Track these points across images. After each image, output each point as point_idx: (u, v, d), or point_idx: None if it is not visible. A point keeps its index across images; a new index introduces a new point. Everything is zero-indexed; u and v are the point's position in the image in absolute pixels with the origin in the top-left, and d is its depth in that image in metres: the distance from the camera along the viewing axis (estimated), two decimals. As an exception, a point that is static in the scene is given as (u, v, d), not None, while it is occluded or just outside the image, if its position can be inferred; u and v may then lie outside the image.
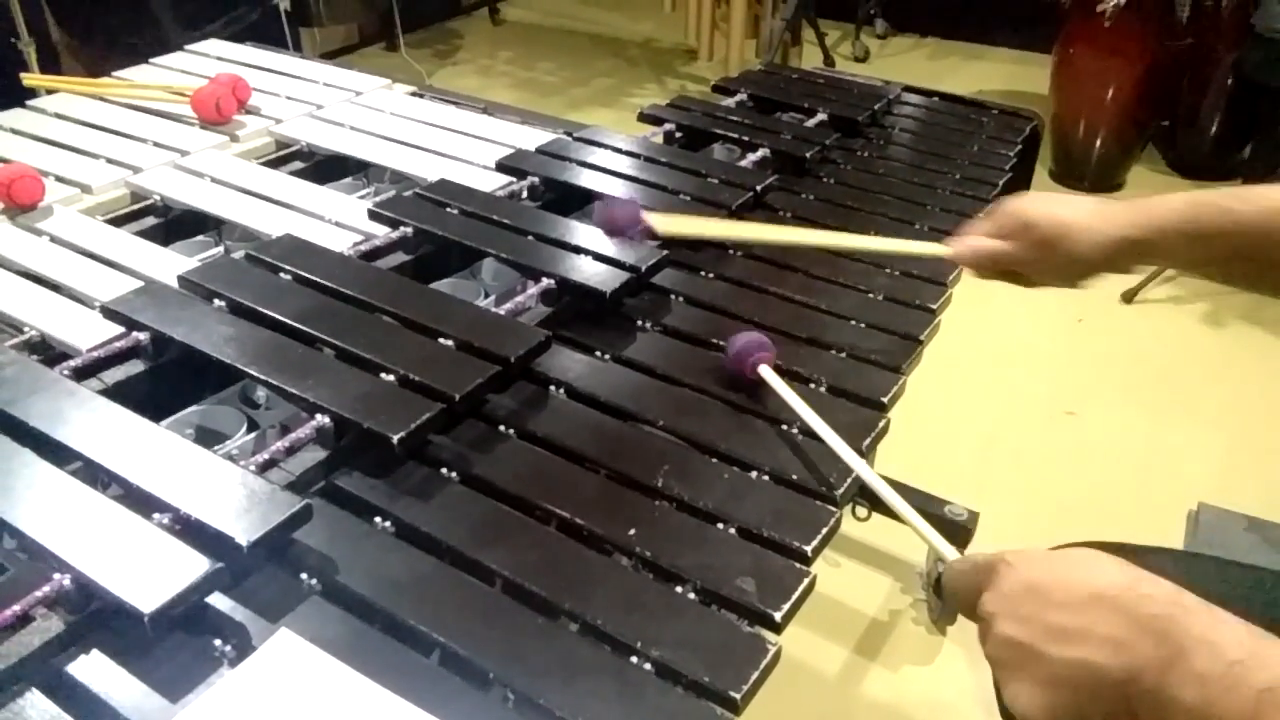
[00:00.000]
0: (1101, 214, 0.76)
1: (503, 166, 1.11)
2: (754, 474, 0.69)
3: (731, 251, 0.99)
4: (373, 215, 0.98)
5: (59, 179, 1.08)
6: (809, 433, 0.74)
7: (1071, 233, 0.76)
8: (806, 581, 0.60)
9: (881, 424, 0.76)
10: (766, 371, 0.76)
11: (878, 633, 1.46)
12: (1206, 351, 2.13)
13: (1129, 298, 2.26)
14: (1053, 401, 1.96)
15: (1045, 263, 0.78)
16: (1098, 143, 2.74)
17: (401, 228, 0.96)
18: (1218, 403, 1.97)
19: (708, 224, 0.96)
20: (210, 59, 1.46)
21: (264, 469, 0.65)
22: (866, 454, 0.73)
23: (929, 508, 1.42)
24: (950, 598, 0.56)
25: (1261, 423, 1.91)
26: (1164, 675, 0.44)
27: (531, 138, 1.20)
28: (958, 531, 1.41)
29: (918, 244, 0.92)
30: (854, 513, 1.40)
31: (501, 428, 0.72)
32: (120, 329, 0.79)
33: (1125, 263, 0.77)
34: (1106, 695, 0.46)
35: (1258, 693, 0.42)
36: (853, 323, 0.89)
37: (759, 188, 1.07)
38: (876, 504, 1.41)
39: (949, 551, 0.60)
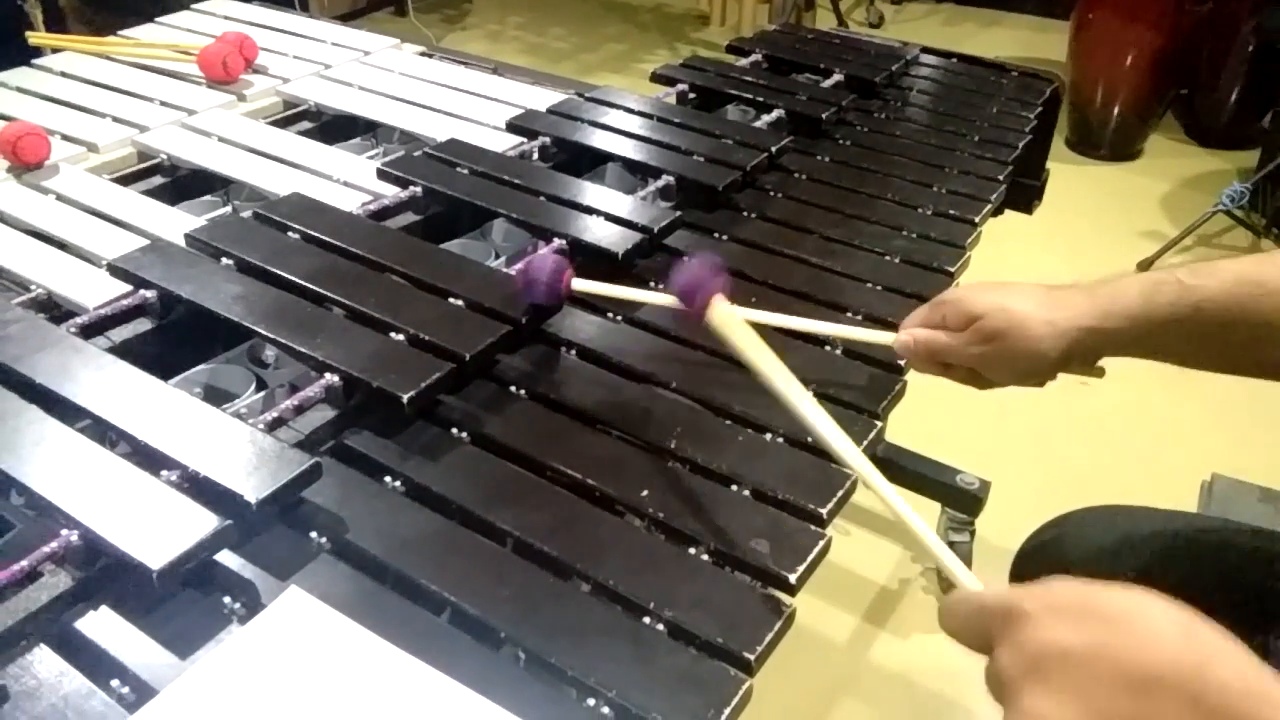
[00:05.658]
0: (1055, 303, 0.69)
1: (513, 126, 1.10)
2: (768, 436, 0.68)
3: (746, 214, 0.97)
4: (381, 175, 0.97)
5: (65, 137, 1.07)
6: (825, 396, 0.73)
7: (1024, 326, 0.68)
8: (822, 544, 0.59)
9: (898, 387, 0.75)
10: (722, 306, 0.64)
11: (887, 600, 1.46)
12: (1222, 322, 2.10)
13: (1144, 266, 2.23)
14: (1066, 371, 1.94)
15: (996, 359, 0.71)
16: (1116, 110, 2.70)
17: (411, 187, 0.94)
18: (1233, 373, 1.95)
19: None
20: (217, 18, 1.44)
21: (273, 428, 0.64)
22: (882, 415, 0.72)
23: (941, 476, 1.41)
24: (952, 635, 0.47)
25: (1275, 393, 1.88)
26: None
27: (542, 98, 1.18)
28: (970, 501, 1.40)
29: (863, 330, 0.79)
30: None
31: (512, 388, 0.71)
32: (127, 287, 0.78)
33: (1084, 356, 0.71)
34: None
35: None
36: (869, 285, 0.87)
37: (774, 149, 1.05)
38: (889, 472, 1.40)
39: (965, 576, 0.52)
